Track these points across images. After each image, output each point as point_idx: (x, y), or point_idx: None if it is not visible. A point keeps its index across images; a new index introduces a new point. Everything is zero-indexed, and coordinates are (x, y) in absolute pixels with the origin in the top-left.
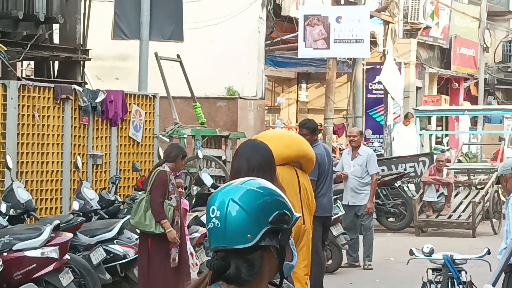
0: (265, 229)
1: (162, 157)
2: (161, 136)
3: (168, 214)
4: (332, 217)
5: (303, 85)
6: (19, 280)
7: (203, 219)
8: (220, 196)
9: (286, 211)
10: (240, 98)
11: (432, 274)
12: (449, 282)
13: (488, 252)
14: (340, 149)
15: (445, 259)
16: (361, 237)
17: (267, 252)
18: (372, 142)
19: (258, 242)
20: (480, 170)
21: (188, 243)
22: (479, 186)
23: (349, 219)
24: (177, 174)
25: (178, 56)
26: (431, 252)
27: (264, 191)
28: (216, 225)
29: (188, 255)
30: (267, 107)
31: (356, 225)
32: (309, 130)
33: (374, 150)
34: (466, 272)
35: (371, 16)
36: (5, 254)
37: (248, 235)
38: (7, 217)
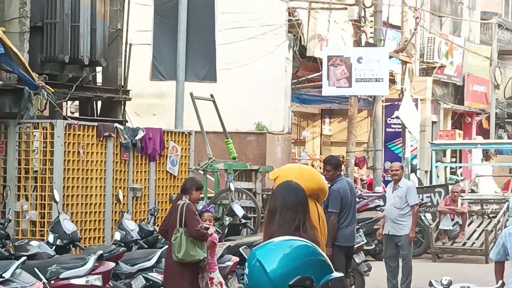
0: None
1: None
2: (196, 169)
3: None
4: (355, 246)
5: (327, 120)
6: None
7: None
8: (253, 254)
9: (310, 276)
10: (268, 133)
11: None
12: None
13: (503, 284)
14: (361, 179)
15: None
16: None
17: None
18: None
19: None
20: (492, 200)
21: (217, 273)
22: (491, 215)
23: (390, 248)
24: (208, 208)
25: (211, 95)
26: (449, 284)
27: (293, 254)
28: (245, 281)
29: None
30: (293, 140)
31: (396, 254)
32: (332, 166)
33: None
34: None
35: (390, 57)
36: (52, 282)
37: None
38: (54, 247)
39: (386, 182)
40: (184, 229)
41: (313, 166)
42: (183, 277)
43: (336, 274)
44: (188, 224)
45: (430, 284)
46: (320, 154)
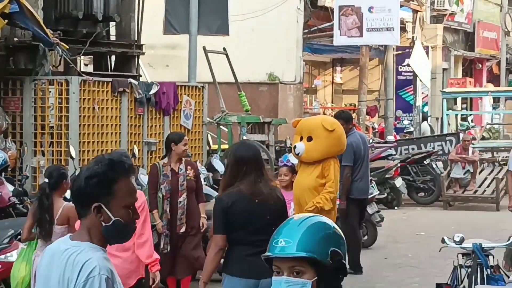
0: None
1: (211, 143)
2: (210, 122)
3: (159, 205)
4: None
5: (338, 68)
6: None
7: None
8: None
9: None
10: (280, 83)
11: (462, 258)
12: (478, 267)
13: None
14: (373, 128)
15: (474, 247)
16: None
17: None
18: (402, 121)
19: None
20: (503, 148)
21: None
22: (502, 163)
23: None
24: (286, 163)
25: (224, 49)
26: (462, 240)
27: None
28: None
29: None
30: (304, 89)
31: None
32: (344, 120)
33: (405, 128)
34: (493, 257)
35: (401, 6)
36: None
37: None
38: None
39: (397, 130)
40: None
41: (324, 114)
42: None
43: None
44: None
45: (443, 240)
46: (332, 103)
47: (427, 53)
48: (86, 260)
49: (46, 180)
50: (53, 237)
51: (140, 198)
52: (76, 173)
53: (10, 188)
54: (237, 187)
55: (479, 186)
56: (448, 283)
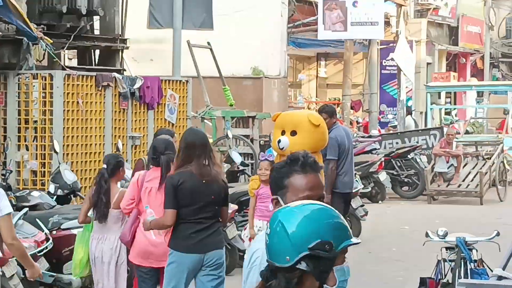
0: (303, 254)
1: None
2: (194, 117)
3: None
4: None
5: (322, 62)
6: (66, 256)
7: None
8: (275, 216)
9: (329, 240)
10: (265, 77)
11: (446, 252)
12: (462, 261)
13: (497, 234)
14: (357, 122)
15: (458, 241)
16: None
17: (307, 274)
18: (386, 115)
19: (294, 265)
20: (487, 142)
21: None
22: (485, 157)
23: None
24: (267, 157)
25: (208, 43)
26: (445, 234)
27: (313, 216)
28: (266, 241)
29: None
30: (289, 83)
31: None
32: (328, 114)
33: (389, 122)
34: (477, 251)
35: (385, 0)
36: (54, 232)
37: (287, 257)
38: (55, 197)
39: (381, 125)
40: None
41: (309, 109)
42: None
43: (354, 240)
44: None
45: (427, 234)
46: (316, 97)
47: (411, 47)
48: (256, 249)
49: (105, 166)
50: (108, 220)
51: None
52: (60, 168)
53: None
54: (187, 167)
55: (463, 180)
56: (432, 276)
